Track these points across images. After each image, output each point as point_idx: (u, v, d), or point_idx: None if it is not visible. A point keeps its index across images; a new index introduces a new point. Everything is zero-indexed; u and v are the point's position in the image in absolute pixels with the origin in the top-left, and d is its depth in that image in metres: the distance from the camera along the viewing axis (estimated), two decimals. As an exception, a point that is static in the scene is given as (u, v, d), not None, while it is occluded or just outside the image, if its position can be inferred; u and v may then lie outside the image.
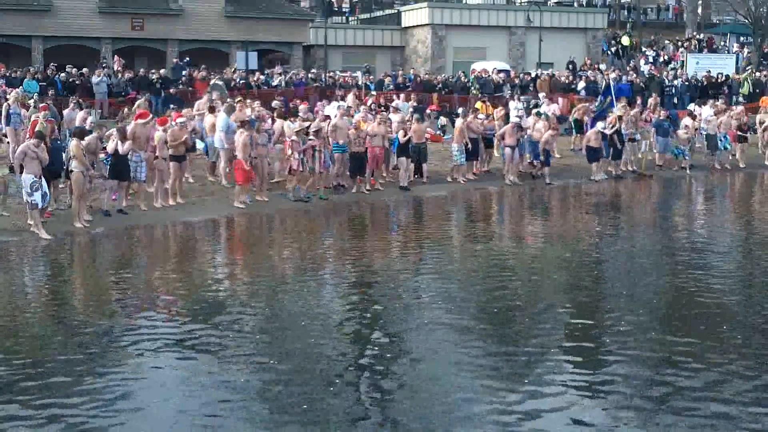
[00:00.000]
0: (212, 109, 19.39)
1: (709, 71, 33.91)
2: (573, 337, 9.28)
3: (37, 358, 8.54)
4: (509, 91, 30.07)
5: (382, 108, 24.17)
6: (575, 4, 48.93)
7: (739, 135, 25.00)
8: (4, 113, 19.27)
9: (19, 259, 13.37)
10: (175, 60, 33.75)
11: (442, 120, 26.94)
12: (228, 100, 21.72)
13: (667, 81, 32.40)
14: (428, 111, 25.18)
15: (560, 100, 28.24)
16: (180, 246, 15.00)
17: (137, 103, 20.78)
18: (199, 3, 36.64)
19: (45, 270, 12.92)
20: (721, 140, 24.44)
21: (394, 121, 20.73)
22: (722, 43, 45.67)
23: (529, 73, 33.94)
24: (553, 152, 22.26)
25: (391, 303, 10.66)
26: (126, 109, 19.37)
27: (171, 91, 26.53)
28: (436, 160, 22.01)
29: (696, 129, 24.40)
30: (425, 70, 36.42)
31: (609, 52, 42.70)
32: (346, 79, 31.61)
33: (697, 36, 45.56)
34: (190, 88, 27.72)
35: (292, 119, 19.15)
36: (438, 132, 25.55)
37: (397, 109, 22.72)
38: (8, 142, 18.24)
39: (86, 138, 15.25)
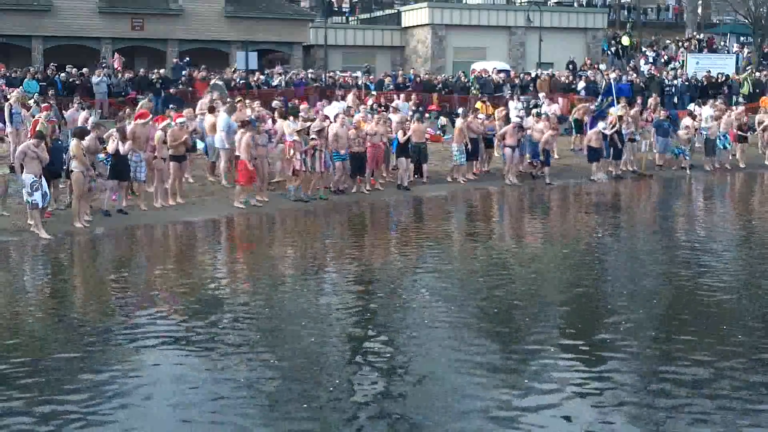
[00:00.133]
0: (212, 109, 19.39)
1: (709, 71, 33.91)
2: (572, 336, 9.28)
3: (36, 356, 8.55)
4: (509, 91, 30.08)
5: (383, 108, 24.16)
6: (575, 4, 48.93)
7: (739, 135, 25.01)
8: (6, 113, 19.25)
9: (19, 259, 13.38)
10: (175, 60, 33.76)
11: (442, 120, 26.95)
12: (228, 100, 21.72)
13: (667, 81, 32.40)
14: (426, 114, 25.16)
15: (560, 100, 28.23)
16: (180, 246, 15.01)
17: (141, 103, 20.81)
18: (199, 3, 36.65)
19: (45, 270, 12.93)
20: (720, 139, 24.44)
21: (394, 121, 20.73)
22: (722, 43, 45.66)
23: (529, 73, 33.94)
24: (552, 152, 22.26)
25: (390, 302, 10.67)
26: (128, 110, 19.37)
27: (171, 91, 26.53)
28: (436, 160, 22.01)
29: (696, 129, 24.39)
30: (425, 70, 36.43)
31: (609, 52, 42.70)
32: (346, 79, 31.61)
33: (697, 36, 45.56)
34: (190, 88, 27.72)
35: (292, 119, 19.13)
36: (438, 132, 25.57)
37: (396, 109, 22.71)
38: (9, 142, 18.23)
39: (86, 138, 15.24)
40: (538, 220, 17.43)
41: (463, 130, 20.58)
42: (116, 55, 32.82)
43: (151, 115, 17.58)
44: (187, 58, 32.96)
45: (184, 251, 14.36)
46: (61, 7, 34.66)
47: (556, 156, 23.01)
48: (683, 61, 39.18)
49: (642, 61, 40.32)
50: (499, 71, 33.39)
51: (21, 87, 23.77)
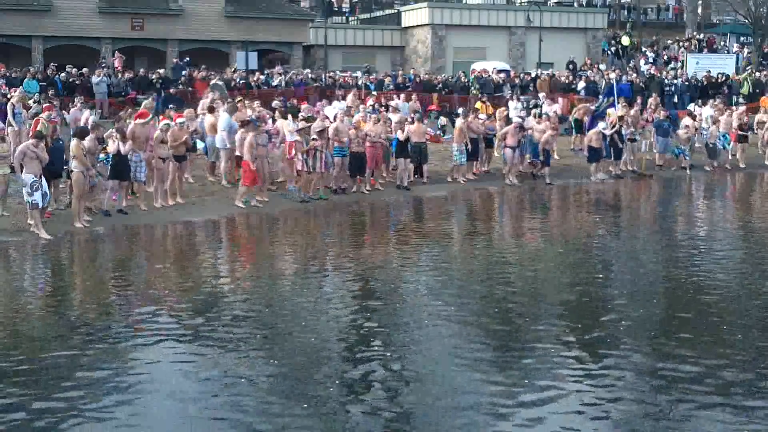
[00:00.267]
0: (211, 109, 19.39)
1: (709, 71, 33.92)
2: (572, 335, 9.27)
3: (36, 354, 8.56)
4: (509, 91, 30.08)
5: (384, 107, 24.16)
6: (575, 4, 48.93)
7: (739, 135, 25.01)
8: (9, 112, 19.24)
9: (19, 259, 13.38)
10: (175, 60, 33.75)
11: (442, 120, 26.95)
12: (228, 100, 21.72)
13: (666, 81, 32.40)
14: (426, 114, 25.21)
15: (560, 100, 28.23)
16: (180, 246, 15.01)
17: (144, 103, 20.82)
18: (199, 3, 36.65)
19: (45, 269, 12.93)
20: (720, 139, 24.45)
21: (393, 121, 20.73)
22: (722, 43, 45.66)
23: (529, 73, 33.96)
24: (552, 152, 22.26)
25: (391, 301, 10.67)
26: (130, 110, 19.37)
27: (171, 91, 26.53)
28: (436, 160, 22.01)
29: (696, 129, 24.40)
30: (425, 70, 36.44)
31: (609, 52, 42.71)
32: (346, 79, 31.62)
33: (697, 36, 45.56)
34: (190, 88, 27.72)
35: (291, 118, 19.13)
36: (438, 132, 25.57)
37: (396, 109, 22.71)
38: (10, 142, 18.22)
39: (86, 138, 15.25)
40: (538, 220, 17.43)
41: (463, 130, 20.58)
42: (117, 54, 32.81)
43: (151, 115, 17.58)
44: (187, 58, 32.96)
45: (184, 251, 14.36)
46: (61, 7, 34.66)
47: (556, 156, 23.01)
48: (683, 61, 39.19)
49: (642, 61, 40.32)
50: (499, 71, 33.40)
51: (21, 87, 23.75)
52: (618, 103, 23.72)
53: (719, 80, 33.03)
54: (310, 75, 31.75)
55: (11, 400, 7.44)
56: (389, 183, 20.15)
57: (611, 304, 10.62)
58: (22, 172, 14.46)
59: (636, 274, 12.31)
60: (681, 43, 44.10)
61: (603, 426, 7.05)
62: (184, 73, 29.74)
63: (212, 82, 26.31)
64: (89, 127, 16.35)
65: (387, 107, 24.16)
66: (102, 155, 15.82)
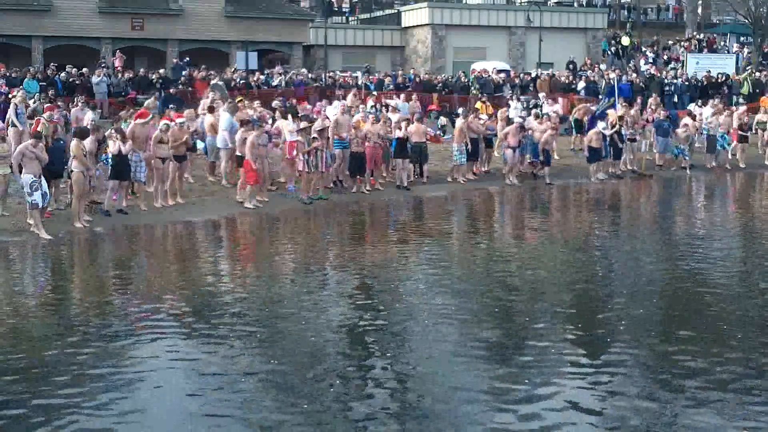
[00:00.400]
0: (211, 109, 19.39)
1: (709, 71, 33.92)
2: (572, 334, 9.28)
3: (36, 356, 8.56)
4: (509, 91, 30.08)
5: (384, 107, 24.17)
6: (575, 4, 48.93)
7: (740, 134, 25.02)
8: (12, 113, 19.21)
9: (19, 259, 13.39)
10: (175, 60, 33.75)
11: (442, 120, 26.95)
12: (229, 100, 21.70)
13: (666, 81, 32.39)
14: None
15: (560, 100, 28.23)
16: (180, 246, 15.01)
17: (147, 102, 20.81)
18: (199, 3, 36.65)
19: (45, 269, 12.93)
20: (718, 140, 24.46)
21: (393, 121, 20.72)
22: (722, 43, 45.66)
23: (529, 73, 33.95)
24: (552, 152, 22.25)
25: (392, 301, 10.67)
26: (132, 110, 19.37)
27: (171, 91, 26.52)
28: (436, 160, 22.02)
29: (696, 129, 24.41)
30: (425, 70, 36.44)
31: (609, 52, 42.71)
32: (346, 79, 31.62)
33: (697, 36, 45.56)
34: (190, 88, 27.71)
35: (291, 118, 19.10)
36: (438, 132, 25.57)
37: (395, 109, 22.71)
38: (10, 142, 18.22)
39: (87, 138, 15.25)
40: (538, 220, 17.43)
41: (463, 130, 20.58)
42: (118, 53, 32.82)
43: (151, 115, 17.57)
44: (187, 58, 32.96)
45: (184, 251, 14.35)
46: (61, 7, 34.65)
47: (556, 156, 23.02)
48: (683, 61, 39.19)
49: (642, 61, 40.32)
50: (499, 71, 33.40)
51: (21, 87, 23.74)
52: (618, 103, 23.71)
53: (719, 80, 33.03)
54: (310, 75, 31.75)
55: (11, 397, 7.46)
56: (389, 183, 20.15)
57: (611, 303, 10.64)
58: (21, 172, 14.47)
59: (635, 273, 12.31)
60: (681, 44, 44.09)
61: (602, 424, 7.06)
62: (184, 73, 29.73)
63: (212, 82, 26.30)
64: (89, 128, 16.33)
65: (386, 107, 24.18)
66: (103, 155, 15.81)
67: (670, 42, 45.24)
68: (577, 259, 13.37)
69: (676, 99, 31.19)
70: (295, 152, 17.79)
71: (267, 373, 8.12)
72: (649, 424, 7.05)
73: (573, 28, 43.14)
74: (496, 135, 22.34)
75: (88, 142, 15.26)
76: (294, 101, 24.72)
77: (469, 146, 20.77)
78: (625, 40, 42.62)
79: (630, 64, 39.39)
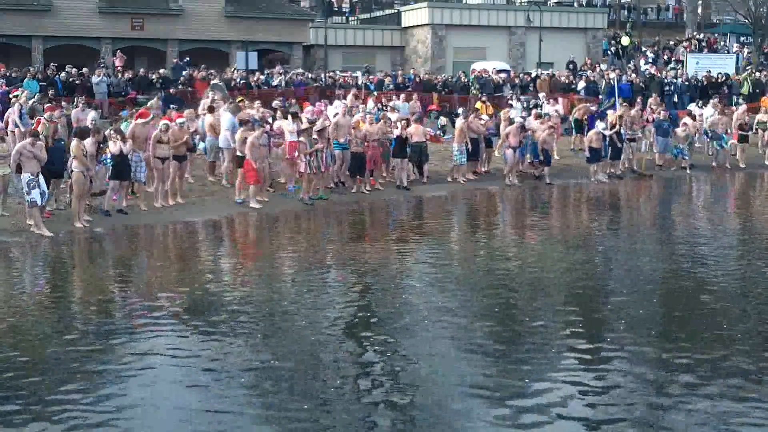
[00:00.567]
0: (211, 109, 19.39)
1: (709, 71, 33.92)
2: (572, 334, 9.30)
3: (36, 355, 8.57)
4: (510, 91, 30.07)
5: (386, 107, 24.16)
6: (575, 4, 48.94)
7: (740, 134, 25.02)
8: (16, 113, 19.21)
9: (19, 259, 13.39)
10: (175, 60, 33.75)
11: (442, 120, 26.95)
12: (230, 100, 21.70)
13: (666, 81, 32.39)
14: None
15: (560, 100, 28.21)
16: (180, 246, 15.01)
17: (150, 103, 20.82)
18: (199, 3, 36.65)
19: (45, 270, 12.93)
20: (719, 138, 24.48)
21: (392, 120, 20.70)
22: (722, 43, 45.67)
23: (529, 73, 33.94)
24: (552, 152, 22.24)
25: (392, 302, 10.67)
26: (133, 110, 19.37)
27: (171, 91, 26.52)
28: (436, 160, 22.01)
29: (696, 129, 24.42)
30: (425, 70, 36.43)
31: (609, 52, 42.70)
32: (346, 79, 31.61)
33: (697, 36, 45.56)
34: (190, 88, 27.71)
35: (290, 119, 19.09)
36: (438, 132, 25.57)
37: (394, 109, 22.70)
38: (10, 142, 18.22)
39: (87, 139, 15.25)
40: (538, 220, 17.43)
41: (463, 130, 20.58)
42: (118, 53, 32.83)
43: (152, 115, 17.57)
44: (187, 58, 32.96)
45: (185, 251, 14.36)
46: (61, 7, 34.66)
47: (556, 156, 23.02)
48: (683, 61, 39.19)
49: (642, 61, 40.31)
50: (499, 71, 33.38)
51: (21, 86, 23.74)
52: (618, 104, 23.70)
53: (719, 80, 33.03)
54: (310, 76, 31.75)
55: (11, 393, 7.48)
56: (389, 183, 20.15)
57: (610, 303, 10.65)
58: (20, 172, 14.47)
59: (635, 273, 12.30)
60: (682, 44, 44.06)
61: (601, 422, 7.06)
62: (184, 73, 29.73)
63: (212, 82, 26.31)
64: (90, 128, 16.31)
65: (384, 107, 24.16)
66: (102, 156, 15.78)
67: (672, 42, 45.22)
68: (576, 259, 13.36)
69: (676, 99, 31.18)
70: (296, 153, 17.77)
71: (267, 370, 8.12)
72: (648, 422, 7.06)
73: (573, 28, 43.14)
74: (495, 135, 22.33)
75: (89, 143, 15.25)
76: (294, 101, 24.72)
77: (470, 146, 20.76)
78: (625, 40, 42.60)
79: (630, 64, 39.38)
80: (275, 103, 21.81)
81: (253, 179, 17.01)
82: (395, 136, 19.81)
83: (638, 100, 26.70)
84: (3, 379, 7.91)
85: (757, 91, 31.69)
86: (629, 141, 23.06)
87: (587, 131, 23.14)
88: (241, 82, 28.64)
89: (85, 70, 28.15)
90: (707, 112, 25.82)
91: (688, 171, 23.36)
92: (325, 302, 10.71)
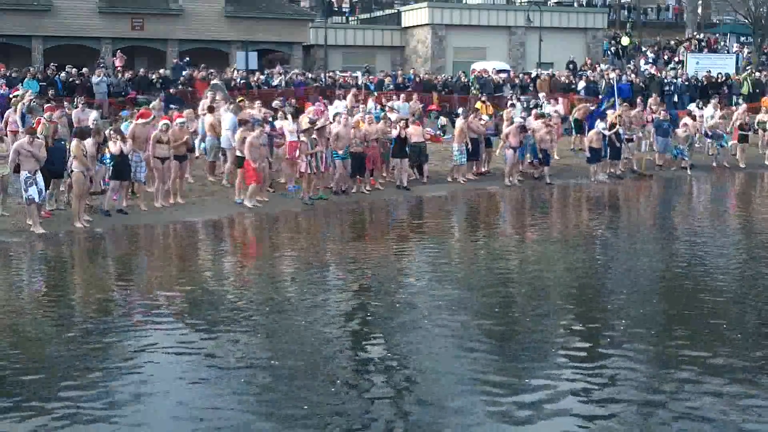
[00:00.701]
0: (211, 109, 19.39)
1: (709, 71, 33.92)
2: (573, 334, 9.30)
3: (36, 353, 8.58)
4: (510, 91, 30.07)
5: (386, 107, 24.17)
6: (575, 4, 48.94)
7: (740, 134, 25.02)
8: (19, 113, 19.21)
9: (19, 259, 13.39)
10: (175, 60, 33.75)
11: (442, 120, 26.95)
12: (230, 100, 21.70)
13: (666, 81, 32.39)
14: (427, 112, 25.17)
15: (560, 100, 28.21)
16: (180, 245, 15.01)
17: (152, 104, 20.83)
18: (199, 3, 36.65)
19: (45, 270, 12.92)
20: (720, 138, 24.49)
21: (392, 120, 20.69)
22: (722, 43, 45.67)
23: (529, 73, 33.94)
24: (552, 152, 22.23)
25: (392, 302, 10.67)
26: (134, 110, 19.37)
27: (171, 91, 26.52)
28: (436, 160, 22.02)
29: (697, 129, 24.41)
30: (425, 70, 36.43)
31: (609, 52, 42.70)
32: (346, 79, 31.60)
33: (697, 36, 45.55)
34: (190, 88, 27.71)
35: (290, 119, 19.10)
36: (438, 132, 25.58)
37: (392, 109, 22.70)
38: (9, 142, 18.23)
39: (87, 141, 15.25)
40: (538, 220, 17.44)
41: (463, 130, 20.58)
42: (118, 53, 32.82)
43: (153, 116, 17.57)
44: (187, 58, 32.95)
45: (185, 251, 14.36)
46: (61, 7, 34.66)
47: (556, 156, 23.03)
48: (683, 61, 39.19)
49: (642, 61, 40.31)
50: (499, 71, 33.38)
51: (21, 87, 23.74)
52: (618, 104, 23.69)
53: (719, 80, 33.03)
54: (310, 76, 31.75)
55: (11, 389, 7.50)
56: (389, 183, 20.15)
57: (611, 303, 10.65)
58: (18, 171, 14.49)
59: (635, 272, 12.31)
60: (683, 45, 44.04)
61: (600, 421, 7.08)
62: (184, 73, 29.73)
63: (212, 82, 26.31)
64: (91, 129, 16.30)
65: (383, 107, 24.16)
66: (101, 155, 15.78)
67: (672, 42, 45.21)
68: (576, 259, 13.37)
69: (676, 99, 31.18)
70: (297, 153, 17.75)
71: (267, 377, 8.11)
72: (647, 421, 7.07)
73: (573, 28, 43.14)
74: (495, 135, 22.32)
75: (89, 143, 15.25)
76: (293, 101, 24.71)
77: (470, 146, 20.77)
78: (625, 40, 42.59)
79: (630, 64, 39.38)
80: (275, 103, 21.80)
81: (252, 179, 17.01)
82: (394, 137, 19.79)
83: (638, 100, 26.70)
84: (4, 377, 7.92)
85: (757, 91, 31.71)
86: (627, 141, 23.04)
87: (587, 131, 23.13)
88: (241, 82, 28.64)
89: (85, 70, 28.15)
90: (707, 112, 25.82)
91: (688, 171, 23.36)
92: (324, 301, 10.72)
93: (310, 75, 32.17)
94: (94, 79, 26.72)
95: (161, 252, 14.37)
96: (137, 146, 16.22)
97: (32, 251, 13.63)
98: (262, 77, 29.98)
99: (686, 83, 32.31)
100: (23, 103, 19.36)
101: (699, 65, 36.41)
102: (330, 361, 8.47)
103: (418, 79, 31.39)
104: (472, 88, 30.61)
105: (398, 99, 26.09)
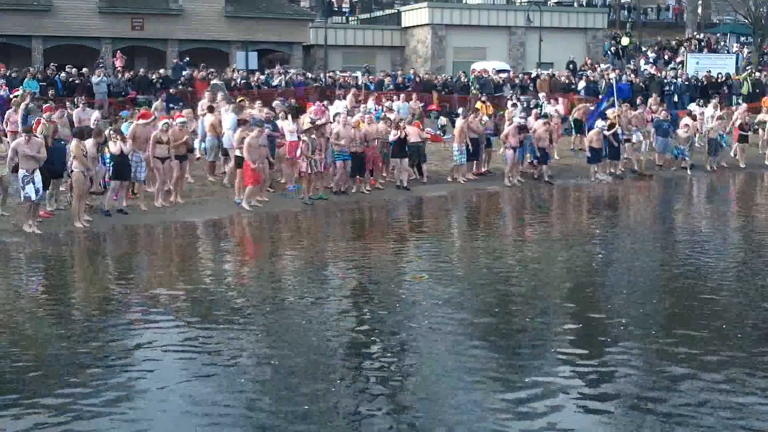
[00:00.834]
0: (211, 109, 19.39)
1: (709, 71, 33.92)
2: (573, 334, 9.31)
3: (36, 352, 8.58)
4: (510, 91, 30.07)
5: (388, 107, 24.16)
6: (575, 4, 48.94)
7: (740, 134, 25.01)
8: (20, 113, 19.20)
9: (19, 259, 13.39)
10: (175, 60, 33.75)
11: (442, 120, 26.95)
12: (231, 100, 21.70)
13: (666, 81, 32.38)
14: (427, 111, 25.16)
15: (560, 99, 28.20)
16: (181, 245, 15.01)
17: (154, 104, 20.80)
18: (199, 3, 36.67)
19: (45, 270, 12.92)
20: (720, 141, 24.44)
21: (391, 120, 20.68)
22: (722, 43, 45.67)
23: (529, 73, 33.93)
24: (551, 151, 22.20)
25: (392, 301, 10.67)
26: (134, 110, 19.37)
27: (171, 91, 26.52)
28: (436, 160, 22.02)
29: (697, 129, 24.39)
30: (425, 70, 36.43)
31: (609, 52, 42.70)
32: (346, 79, 31.60)
33: (697, 36, 45.55)
34: (190, 88, 27.71)
35: (291, 119, 19.08)
36: (438, 132, 25.58)
37: (390, 110, 22.70)
38: (8, 142, 18.22)
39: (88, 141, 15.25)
40: (538, 220, 17.43)
41: (463, 130, 20.58)
42: (119, 54, 32.82)
43: (154, 116, 17.57)
44: (187, 58, 32.96)
45: (185, 251, 14.36)
46: (61, 7, 34.67)
47: (556, 156, 23.04)
48: (683, 61, 39.18)
49: (642, 61, 40.30)
50: (499, 71, 33.38)
51: (21, 87, 23.75)
52: (617, 104, 23.68)
53: (719, 80, 33.03)
54: (310, 76, 31.75)
55: (11, 386, 7.51)
56: (389, 183, 20.15)
57: (610, 302, 10.65)
58: (15, 170, 14.51)
59: (635, 272, 12.31)
60: (683, 45, 44.02)
61: (599, 417, 7.09)
62: (184, 73, 29.73)
63: (212, 82, 26.31)
64: (92, 129, 16.31)
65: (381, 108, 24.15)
66: (107, 153, 15.77)
67: (674, 43, 45.20)
68: (576, 259, 13.38)
69: (676, 99, 31.18)
70: (298, 152, 17.74)
71: (267, 376, 8.11)
72: (645, 417, 7.08)
73: (573, 28, 43.15)
74: (495, 135, 22.31)
75: (89, 143, 15.25)
76: (293, 101, 24.71)
77: (470, 146, 20.77)
78: (625, 40, 42.59)
79: (629, 64, 39.37)
80: (275, 104, 21.80)
81: (250, 180, 16.96)
82: (392, 140, 19.73)
83: (638, 100, 26.69)
84: (5, 376, 7.93)
85: (757, 91, 31.70)
86: (625, 141, 23.03)
87: (587, 131, 23.12)
88: (241, 82, 28.64)
89: (85, 70, 28.15)
90: (708, 112, 25.80)
91: (688, 171, 23.36)
92: (324, 300, 10.71)
93: (310, 75, 32.19)
94: (94, 79, 26.72)
95: (161, 252, 14.37)
96: (137, 146, 16.22)
97: (32, 251, 13.62)
98: (262, 77, 29.98)
99: (686, 83, 32.31)
100: (26, 104, 19.35)
101: (699, 65, 36.40)
102: (330, 358, 8.47)
103: (418, 79, 31.39)
104: (472, 88, 30.60)
105: (398, 99, 26.10)
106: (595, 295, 11.27)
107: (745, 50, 43.50)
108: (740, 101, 29.98)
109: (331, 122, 19.08)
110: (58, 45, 34.62)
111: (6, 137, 17.53)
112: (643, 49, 43.32)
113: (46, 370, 8.14)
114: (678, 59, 40.80)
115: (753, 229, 16.65)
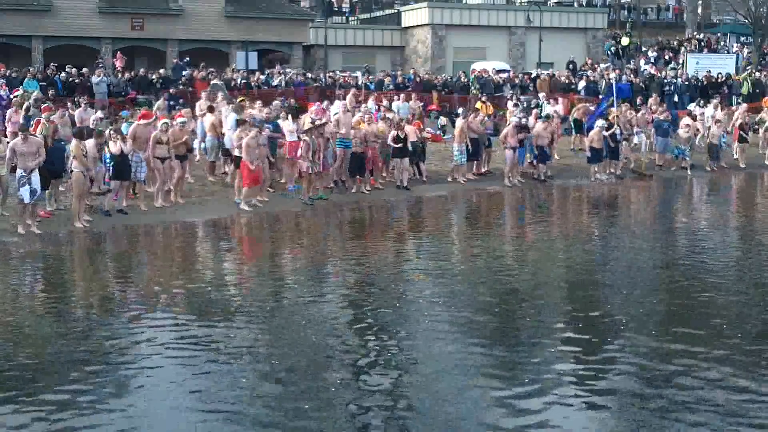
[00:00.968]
0: (211, 109, 19.39)
1: (709, 71, 33.92)
2: (573, 334, 9.30)
3: (36, 352, 8.58)
4: (510, 91, 30.07)
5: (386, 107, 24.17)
6: (575, 4, 48.94)
7: (740, 135, 25.01)
8: (23, 113, 19.20)
9: (19, 259, 13.39)
10: (175, 60, 33.75)
11: (442, 120, 26.95)
12: (231, 100, 21.70)
13: (666, 81, 32.38)
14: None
15: (560, 100, 28.20)
16: (181, 245, 15.01)
17: (156, 104, 20.76)
18: (199, 3, 36.67)
19: (44, 270, 12.93)
20: (720, 143, 24.45)
21: (391, 120, 20.69)
22: (722, 43, 45.66)
23: (529, 73, 33.93)
24: (550, 151, 22.20)
25: (392, 300, 10.67)
26: (134, 110, 19.37)
27: (171, 91, 26.51)
28: (436, 160, 22.02)
29: (697, 129, 24.38)
30: (425, 70, 36.43)
31: (609, 52, 42.69)
32: (346, 79, 31.60)
33: (697, 36, 45.55)
34: (190, 88, 27.69)
35: (291, 119, 19.09)
36: (438, 132, 25.58)
37: (389, 110, 22.69)
38: (8, 142, 18.21)
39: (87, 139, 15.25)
40: (538, 220, 17.44)
41: (463, 130, 20.58)
42: (119, 54, 32.83)
43: (155, 116, 17.57)
44: (187, 58, 32.95)
45: (185, 251, 14.37)
46: (61, 7, 34.67)
47: (556, 156, 23.04)
48: (683, 61, 39.18)
49: (642, 61, 40.30)
50: (499, 71, 33.39)
51: (21, 87, 23.75)
52: (617, 104, 23.68)
53: (719, 80, 33.03)
54: (310, 76, 31.75)
55: (11, 384, 7.52)
56: (389, 183, 20.16)
57: (610, 300, 10.65)
58: (14, 171, 14.52)
59: (635, 272, 12.32)
60: (684, 45, 44.00)
61: (598, 412, 7.10)
62: (184, 73, 29.72)
63: (212, 82, 26.31)
64: (93, 129, 16.30)
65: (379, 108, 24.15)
66: (107, 152, 15.77)
67: (674, 43, 45.18)
68: (576, 258, 13.38)
69: (676, 99, 31.18)
70: (299, 152, 17.74)
71: (267, 376, 8.11)
72: (644, 412, 7.08)
73: (573, 28, 43.16)
74: (494, 135, 22.32)
75: (89, 143, 15.25)
76: (293, 101, 24.70)
77: (470, 146, 20.77)
78: (625, 40, 42.59)
79: (629, 64, 39.37)
80: (275, 104, 21.79)
81: (248, 181, 16.93)
82: (391, 141, 19.72)
83: (639, 101, 26.69)
84: (5, 373, 7.94)
85: (757, 91, 31.70)
86: (625, 141, 23.01)
87: (587, 131, 23.12)
88: (242, 82, 28.63)
89: (85, 70, 28.14)
90: (708, 112, 25.79)
91: (688, 171, 23.35)
92: (324, 299, 10.72)
93: (310, 75, 32.19)
94: (94, 79, 26.71)
95: (161, 252, 14.37)
96: (138, 146, 16.22)
97: (31, 252, 13.62)
98: (262, 77, 29.98)
99: (686, 83, 32.31)
100: (29, 102, 19.34)
101: (699, 65, 36.39)
102: (329, 357, 8.47)
103: (418, 79, 31.38)
104: (472, 88, 30.60)
105: (398, 99, 26.10)
106: (595, 294, 11.28)
107: (745, 50, 43.48)
108: (740, 101, 29.98)
109: (331, 122, 19.09)
110: (58, 45, 34.63)
111: (6, 137, 17.54)
112: (643, 49, 43.30)
113: (46, 367, 8.16)
114: (679, 59, 40.80)
115: (753, 229, 16.66)
